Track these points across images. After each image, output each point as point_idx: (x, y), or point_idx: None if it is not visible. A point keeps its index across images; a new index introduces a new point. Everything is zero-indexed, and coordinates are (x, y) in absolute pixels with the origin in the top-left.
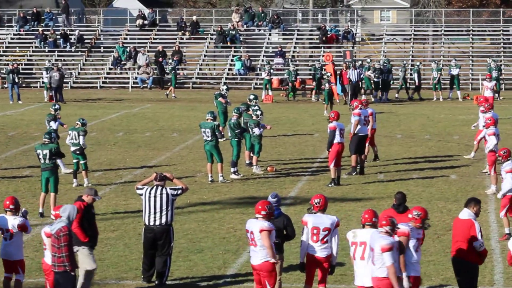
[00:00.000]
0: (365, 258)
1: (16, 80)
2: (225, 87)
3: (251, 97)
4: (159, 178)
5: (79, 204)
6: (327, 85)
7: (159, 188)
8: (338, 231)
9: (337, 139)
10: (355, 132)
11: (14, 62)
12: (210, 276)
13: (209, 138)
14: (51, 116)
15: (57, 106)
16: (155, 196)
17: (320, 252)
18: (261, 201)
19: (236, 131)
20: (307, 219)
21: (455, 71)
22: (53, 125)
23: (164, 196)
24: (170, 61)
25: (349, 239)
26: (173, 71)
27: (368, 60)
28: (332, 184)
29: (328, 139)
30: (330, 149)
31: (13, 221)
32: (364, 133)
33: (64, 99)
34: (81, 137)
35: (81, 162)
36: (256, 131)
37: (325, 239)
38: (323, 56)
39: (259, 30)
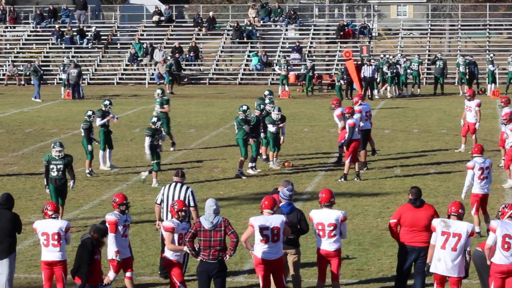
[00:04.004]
0: (457, 250)
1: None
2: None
3: (266, 92)
4: (181, 174)
5: (277, 197)
6: (341, 81)
7: (178, 184)
8: (352, 225)
9: (355, 135)
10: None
11: (38, 59)
12: (227, 272)
13: (236, 131)
14: (100, 112)
15: (107, 101)
16: (173, 193)
17: (328, 246)
18: (269, 197)
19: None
20: (312, 215)
21: (491, 67)
22: (98, 121)
23: (183, 191)
24: (169, 58)
25: (438, 228)
26: (167, 69)
27: (383, 56)
28: (342, 179)
29: (347, 136)
30: (348, 146)
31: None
32: (367, 127)
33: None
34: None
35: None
36: (271, 128)
37: (332, 234)
38: (340, 51)
39: (276, 25)
